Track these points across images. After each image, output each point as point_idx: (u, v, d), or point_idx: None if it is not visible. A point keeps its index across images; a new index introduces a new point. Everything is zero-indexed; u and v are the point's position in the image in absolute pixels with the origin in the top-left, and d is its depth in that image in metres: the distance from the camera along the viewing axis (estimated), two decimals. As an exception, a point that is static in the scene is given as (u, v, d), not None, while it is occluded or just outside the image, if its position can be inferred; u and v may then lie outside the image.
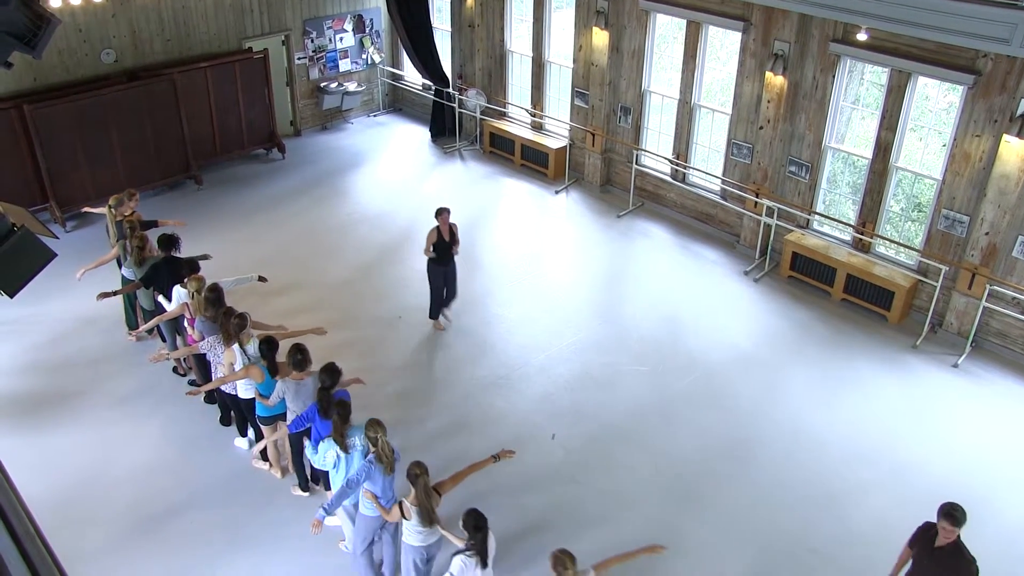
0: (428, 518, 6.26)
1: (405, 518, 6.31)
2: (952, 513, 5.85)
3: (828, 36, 10.76)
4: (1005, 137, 9.48)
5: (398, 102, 18.22)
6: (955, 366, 10.16)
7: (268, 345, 7.60)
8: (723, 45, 13.79)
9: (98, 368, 9.81)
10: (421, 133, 16.96)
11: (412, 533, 6.39)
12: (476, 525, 5.82)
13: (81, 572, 6.79)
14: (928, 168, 10.98)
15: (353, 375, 8.03)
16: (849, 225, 11.50)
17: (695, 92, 12.72)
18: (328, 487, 7.49)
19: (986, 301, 10.09)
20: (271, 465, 8.36)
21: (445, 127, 16.57)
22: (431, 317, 10.68)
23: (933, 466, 8.36)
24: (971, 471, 8.50)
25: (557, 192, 14.60)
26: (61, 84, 13.12)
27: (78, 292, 10.27)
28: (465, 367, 10.06)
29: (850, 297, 11.25)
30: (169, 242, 9.05)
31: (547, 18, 14.57)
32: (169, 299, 8.82)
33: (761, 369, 10.07)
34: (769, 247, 12.12)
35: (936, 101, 12.01)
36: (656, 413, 9.35)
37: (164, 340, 9.54)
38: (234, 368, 7.74)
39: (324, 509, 6.57)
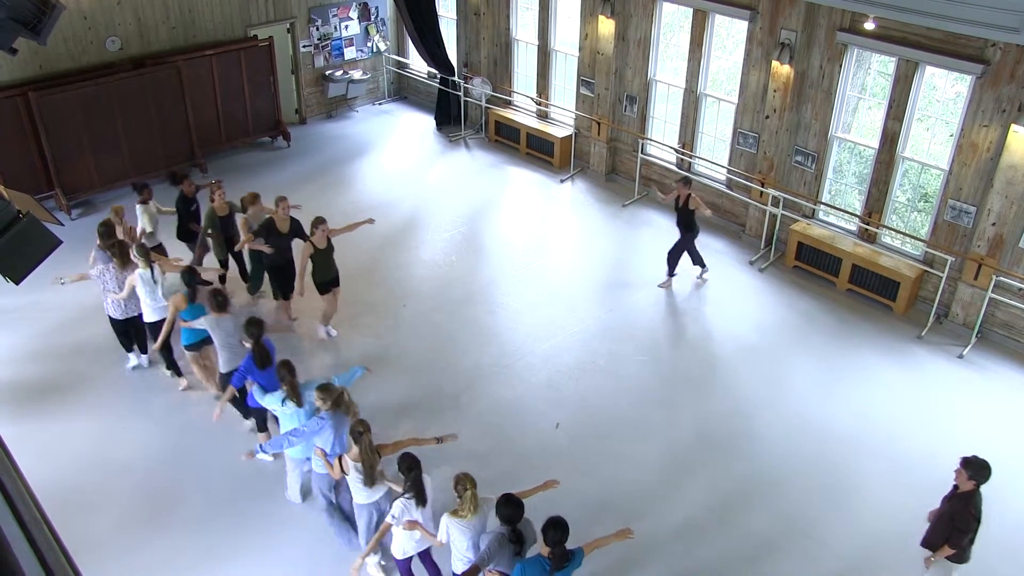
0: (371, 476, 6.59)
1: (344, 473, 6.63)
2: (969, 460, 6.27)
3: (835, 25, 10.69)
4: (1013, 127, 9.42)
5: (403, 90, 18.18)
6: (960, 357, 10.15)
7: (190, 274, 8.59)
8: (729, 34, 13.73)
9: (103, 355, 9.84)
10: (426, 121, 16.93)
11: (358, 491, 6.72)
12: (409, 467, 6.20)
13: (86, 558, 6.82)
14: (935, 158, 10.93)
15: (357, 363, 8.04)
16: (855, 215, 11.46)
17: (701, 81, 12.66)
18: (245, 414, 8.62)
19: (992, 292, 10.06)
20: (208, 387, 9.15)
21: (450, 115, 16.53)
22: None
23: (937, 457, 8.34)
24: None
25: (562, 181, 14.57)
26: (66, 72, 13.12)
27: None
28: (469, 355, 10.07)
29: (855, 287, 11.22)
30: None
31: (553, 6, 14.50)
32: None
33: (765, 359, 10.07)
34: (775, 237, 12.09)
35: (943, 91, 11.94)
36: (660, 402, 9.36)
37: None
38: (136, 291, 8.82)
39: (262, 448, 7.19)
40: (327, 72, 16.64)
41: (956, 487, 6.44)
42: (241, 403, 8.42)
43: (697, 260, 11.43)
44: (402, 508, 6.20)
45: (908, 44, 10.07)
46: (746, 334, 10.53)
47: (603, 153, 14.35)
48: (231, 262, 10.85)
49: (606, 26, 13.29)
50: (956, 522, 6.39)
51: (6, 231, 5.11)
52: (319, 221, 9.45)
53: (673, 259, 11.34)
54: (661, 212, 13.44)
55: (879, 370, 9.89)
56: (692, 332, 10.59)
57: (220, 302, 8.12)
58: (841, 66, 10.87)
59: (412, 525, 6.25)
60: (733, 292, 11.44)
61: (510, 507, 5.76)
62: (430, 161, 15.40)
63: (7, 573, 2.18)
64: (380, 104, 17.80)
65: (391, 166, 15.15)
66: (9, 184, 10.29)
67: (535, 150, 15.28)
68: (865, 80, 11.43)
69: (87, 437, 8.73)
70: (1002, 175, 9.65)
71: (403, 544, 6.50)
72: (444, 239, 12.65)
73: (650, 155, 13.79)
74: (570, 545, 5.73)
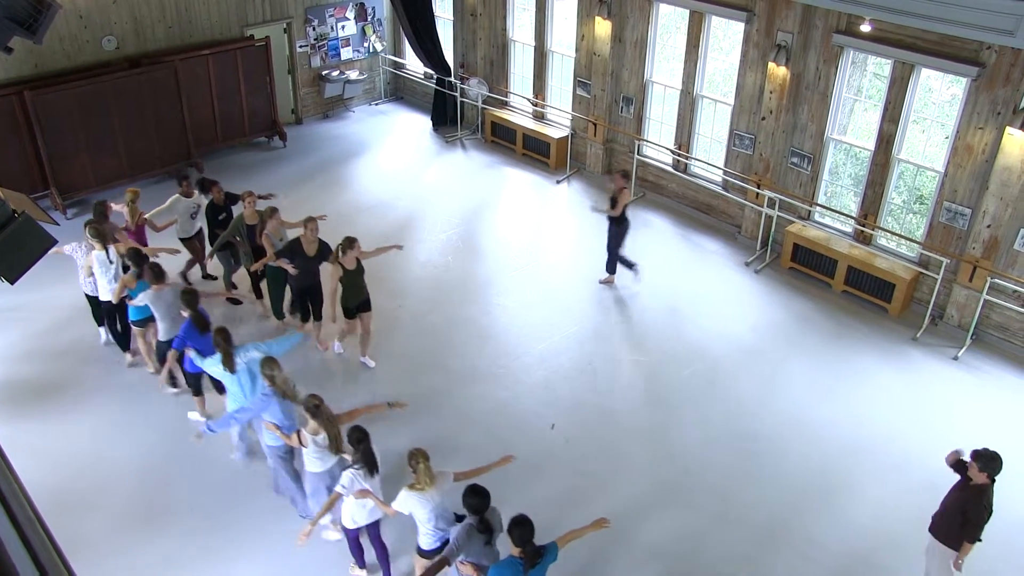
0: (337, 443, 6.83)
1: (303, 445, 6.86)
2: (979, 453, 6.33)
3: (831, 27, 10.71)
4: (1008, 129, 9.45)
5: (400, 91, 18.17)
6: (955, 359, 10.17)
7: (136, 257, 8.70)
8: (726, 35, 13.75)
9: (98, 355, 9.83)
10: (423, 122, 16.92)
11: (313, 462, 6.96)
12: (359, 438, 6.42)
13: (81, 558, 6.80)
14: (930, 160, 10.95)
15: (355, 367, 8.04)
16: (851, 217, 11.48)
17: (697, 82, 12.68)
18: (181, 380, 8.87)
19: (987, 294, 10.08)
20: (148, 364, 9.44)
21: (447, 116, 16.52)
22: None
23: (933, 458, 8.33)
24: (970, 463, 8.51)
25: (559, 182, 14.58)
26: (62, 71, 13.09)
27: (78, 278, 10.26)
28: (465, 356, 10.07)
29: (851, 289, 11.24)
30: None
31: (549, 7, 14.51)
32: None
33: (761, 360, 10.08)
34: (770, 238, 12.11)
35: (939, 93, 11.97)
36: (656, 404, 9.36)
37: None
38: (92, 271, 9.13)
39: (209, 427, 7.32)
40: (323, 72, 16.63)
41: (967, 479, 6.48)
42: (181, 370, 8.72)
43: (611, 264, 11.38)
44: (351, 478, 6.37)
45: (904, 46, 10.10)
46: (742, 335, 10.54)
47: (599, 154, 14.36)
48: (231, 274, 10.75)
49: (602, 27, 13.30)
50: (970, 514, 6.43)
51: (1, 231, 5.10)
52: (349, 242, 8.93)
53: (615, 255, 11.33)
54: (658, 213, 13.46)
55: (874, 372, 9.91)
56: (688, 333, 10.59)
57: (157, 274, 8.40)
58: (837, 68, 10.89)
59: (363, 494, 6.41)
60: (729, 293, 11.45)
61: (476, 497, 5.78)
62: (426, 162, 15.39)
63: (2, 573, 2.18)
64: (376, 104, 17.79)
65: (387, 166, 15.14)
66: (4, 183, 10.27)
67: (531, 151, 15.28)
68: (861, 82, 11.45)
69: (82, 437, 8.71)
70: (997, 177, 9.67)
71: (353, 514, 6.66)
72: (440, 240, 12.64)
73: (646, 156, 13.80)
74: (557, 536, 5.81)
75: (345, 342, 9.91)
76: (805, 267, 11.69)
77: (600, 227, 13.06)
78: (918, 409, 9.32)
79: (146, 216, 10.29)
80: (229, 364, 7.48)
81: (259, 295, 10.76)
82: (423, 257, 12.14)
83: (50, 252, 8.99)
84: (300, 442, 6.85)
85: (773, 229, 12.06)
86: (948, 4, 8.68)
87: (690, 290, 11.49)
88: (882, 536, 7.67)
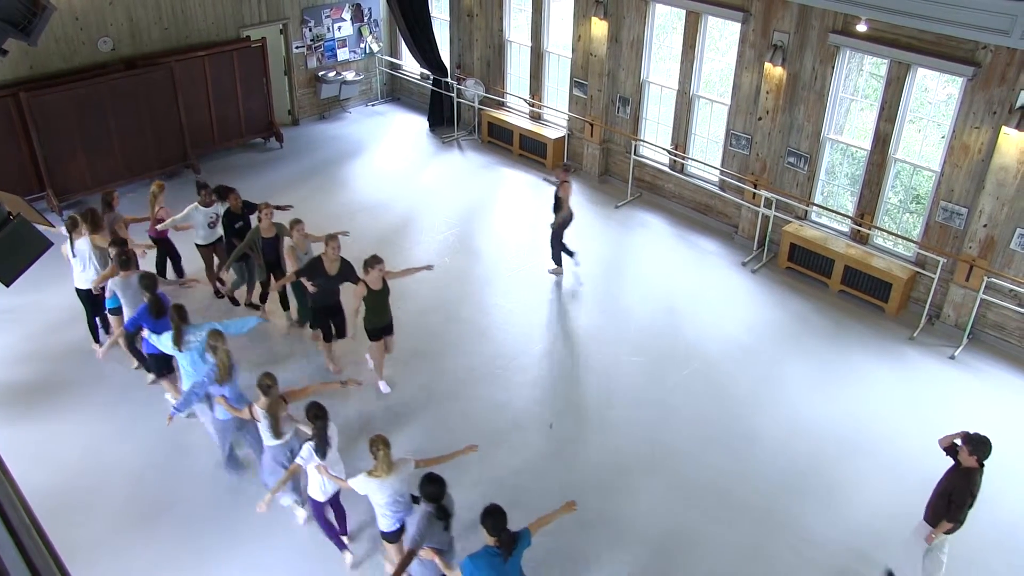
0: (276, 427, 7.05)
1: (255, 419, 7.11)
2: (970, 436, 6.51)
3: (828, 27, 10.72)
4: (1004, 129, 9.46)
5: (396, 91, 18.16)
6: (952, 358, 10.18)
7: (121, 245, 8.89)
8: (722, 35, 13.75)
9: (94, 357, 9.80)
10: (419, 123, 16.92)
11: (268, 436, 7.16)
12: (316, 414, 6.62)
13: (77, 561, 6.80)
14: (927, 160, 10.96)
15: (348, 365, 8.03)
16: (847, 216, 11.49)
17: (694, 83, 12.68)
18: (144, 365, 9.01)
19: (983, 293, 10.09)
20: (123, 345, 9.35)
21: (443, 117, 16.52)
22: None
23: (929, 457, 8.31)
24: (967, 463, 8.52)
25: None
26: (58, 72, 13.05)
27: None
28: (463, 356, 10.06)
29: (848, 288, 11.25)
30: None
31: (546, 8, 14.51)
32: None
33: (758, 360, 10.08)
34: (767, 238, 12.12)
35: (935, 93, 11.99)
36: (653, 403, 9.36)
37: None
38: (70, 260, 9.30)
39: (175, 408, 7.49)
40: (320, 73, 16.61)
41: (958, 463, 6.58)
42: (140, 355, 8.96)
43: (557, 255, 11.61)
44: (310, 451, 6.65)
45: (900, 46, 10.11)
46: (739, 335, 10.54)
47: (596, 154, 14.36)
48: (245, 286, 10.68)
49: (599, 28, 13.29)
50: (954, 495, 6.55)
51: (-4, 233, 5.08)
52: (375, 260, 8.53)
53: (557, 246, 11.55)
54: (654, 213, 13.46)
55: (871, 371, 9.91)
56: (685, 333, 10.59)
57: (124, 261, 8.56)
58: (833, 68, 10.90)
59: (321, 470, 6.65)
60: (726, 293, 11.45)
61: (434, 485, 5.91)
62: (423, 162, 15.38)
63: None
64: (373, 105, 17.78)
65: (384, 167, 15.13)
66: (0, 185, 10.24)
67: (528, 151, 15.28)
68: (857, 82, 11.47)
69: (78, 439, 8.69)
70: (993, 177, 9.68)
71: (321, 485, 6.86)
72: (437, 240, 12.64)
73: (643, 157, 13.81)
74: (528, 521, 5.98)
75: (380, 366, 9.40)
76: (802, 267, 11.70)
77: (596, 226, 13.11)
78: (915, 408, 9.33)
79: (161, 215, 10.29)
80: (178, 341, 7.68)
81: (285, 307, 10.60)
82: (420, 258, 12.12)
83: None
84: (252, 416, 7.14)
85: (770, 229, 12.07)
86: (944, 4, 8.70)
87: (687, 290, 11.50)
88: (879, 534, 7.67)
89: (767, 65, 11.33)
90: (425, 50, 15.84)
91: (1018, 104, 9.32)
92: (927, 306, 10.68)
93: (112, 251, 8.88)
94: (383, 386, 9.41)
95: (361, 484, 6.38)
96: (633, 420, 9.11)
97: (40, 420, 8.92)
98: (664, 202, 13.70)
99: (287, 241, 9.61)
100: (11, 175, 12.24)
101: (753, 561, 7.49)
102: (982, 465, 6.56)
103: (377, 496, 6.41)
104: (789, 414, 9.21)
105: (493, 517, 5.54)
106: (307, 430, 6.92)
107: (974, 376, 9.89)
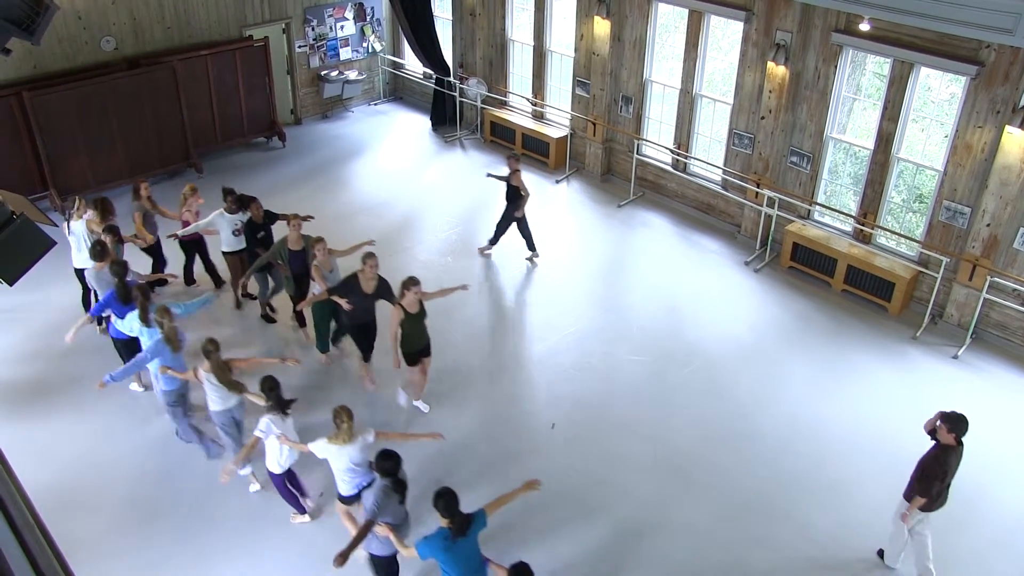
0: (227, 384, 7.45)
1: (199, 380, 7.53)
2: (947, 415, 6.73)
3: (830, 26, 10.71)
4: (1007, 128, 9.44)
5: (399, 91, 18.17)
6: (955, 357, 10.16)
7: (111, 233, 9.20)
8: (725, 35, 13.73)
9: (98, 356, 9.79)
10: (422, 122, 16.92)
11: (213, 400, 7.62)
12: (271, 386, 6.98)
13: (81, 558, 6.81)
14: (930, 159, 10.95)
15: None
16: (850, 216, 11.48)
17: (697, 82, 12.67)
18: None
19: (986, 293, 10.08)
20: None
21: (446, 116, 16.52)
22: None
23: (932, 457, 8.37)
24: (970, 462, 8.45)
25: (558, 181, 14.57)
26: (61, 72, 13.08)
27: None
28: (464, 355, 10.06)
29: (850, 288, 11.24)
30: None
31: (548, 7, 14.50)
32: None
33: (761, 359, 10.07)
34: (770, 237, 12.11)
35: (938, 92, 11.96)
36: (655, 403, 9.36)
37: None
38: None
39: (111, 377, 7.66)
40: (323, 72, 16.62)
41: (938, 442, 6.78)
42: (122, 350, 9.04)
43: (530, 243, 11.94)
44: (267, 423, 6.94)
45: (903, 45, 10.09)
46: (741, 334, 10.54)
47: (599, 154, 14.35)
48: (267, 295, 10.53)
49: (602, 27, 13.29)
50: (926, 470, 6.77)
51: (0, 232, 5.09)
52: (411, 282, 8.22)
53: (500, 230, 11.96)
54: (657, 212, 13.46)
55: (874, 371, 9.90)
56: (687, 332, 10.59)
57: (98, 252, 8.86)
58: (836, 67, 10.89)
59: (283, 439, 6.98)
60: (728, 293, 11.45)
61: (389, 461, 6.15)
62: (425, 162, 15.39)
63: (-1, 576, 2.18)
64: (376, 104, 17.78)
65: (387, 166, 15.13)
66: (3, 185, 10.26)
67: (530, 151, 15.27)
68: (860, 81, 11.45)
69: (81, 438, 8.71)
70: (996, 176, 9.67)
71: (278, 457, 7.17)
72: (439, 240, 12.64)
73: (646, 156, 13.80)
74: (485, 503, 6.11)
75: (420, 387, 9.13)
76: (805, 266, 11.69)
77: (598, 225, 13.11)
78: (918, 408, 9.28)
79: (187, 217, 10.35)
80: (144, 318, 8.01)
81: (302, 324, 10.32)
82: (423, 257, 12.14)
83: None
84: (196, 377, 7.56)
85: (772, 228, 12.06)
86: (947, 3, 8.68)
87: (689, 289, 11.49)
88: (880, 534, 7.66)
89: (770, 64, 11.32)
90: (428, 49, 15.84)
91: (1021, 103, 9.31)
92: (930, 305, 10.66)
93: (106, 237, 9.14)
94: (421, 405, 9.12)
95: (320, 448, 6.70)
96: (634, 419, 9.11)
97: (43, 419, 8.94)
98: (667, 201, 13.70)
99: (314, 264, 9.25)
100: (14, 174, 12.27)
101: (753, 559, 7.48)
102: (960, 443, 6.72)
103: (335, 462, 6.75)
104: (791, 413, 9.21)
105: (445, 499, 5.70)
106: (259, 401, 7.23)
107: (977, 376, 9.87)
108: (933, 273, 10.58)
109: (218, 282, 11.11)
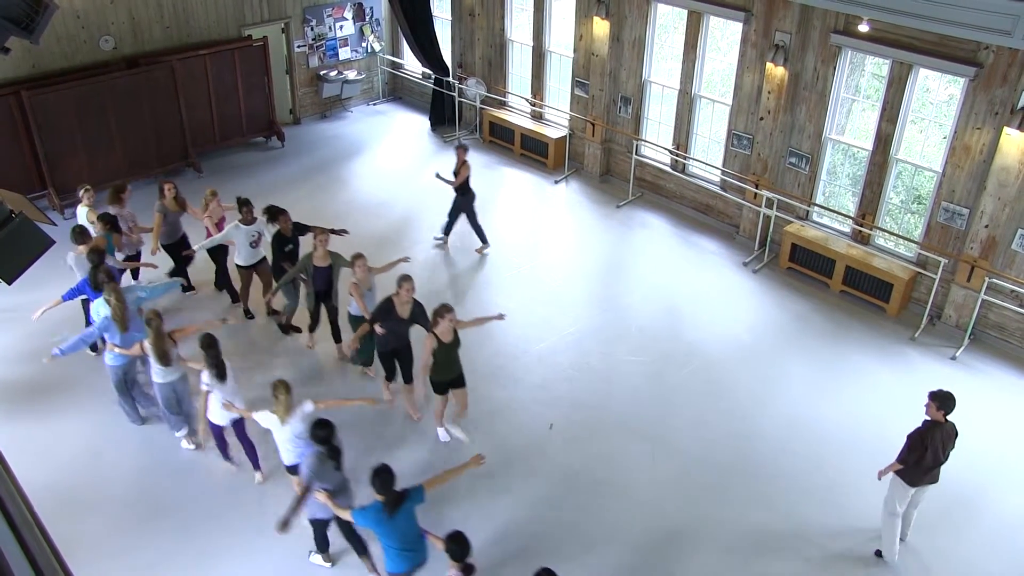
0: (165, 357, 7.82)
1: (143, 354, 7.93)
2: (935, 393, 7.03)
3: (829, 27, 10.72)
4: (1006, 130, 9.45)
5: (398, 91, 18.17)
6: (953, 358, 10.17)
7: (106, 220, 9.63)
8: (724, 35, 13.75)
9: (96, 356, 9.80)
10: (421, 122, 16.92)
11: (156, 373, 7.98)
12: (208, 344, 7.41)
13: (79, 558, 6.79)
14: (928, 160, 10.96)
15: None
16: (849, 217, 11.49)
17: (695, 82, 12.68)
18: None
19: (985, 294, 10.09)
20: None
21: (445, 116, 16.53)
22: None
23: (930, 458, 8.38)
24: (968, 463, 8.51)
25: (556, 182, 14.57)
26: (59, 71, 13.07)
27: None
28: (463, 356, 10.03)
29: (849, 289, 11.25)
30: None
31: (547, 7, 14.51)
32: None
33: (759, 360, 10.08)
34: (768, 238, 12.11)
35: (937, 93, 11.98)
36: (654, 403, 9.36)
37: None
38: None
39: (60, 350, 7.95)
40: (321, 72, 16.62)
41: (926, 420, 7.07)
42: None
43: (480, 233, 12.17)
44: (210, 377, 7.47)
45: (902, 46, 10.10)
46: (740, 335, 10.54)
47: (597, 154, 14.36)
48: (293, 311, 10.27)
49: (600, 27, 13.29)
50: (908, 440, 7.06)
51: (-2, 231, 5.09)
52: (445, 310, 7.89)
53: (452, 220, 12.27)
54: (656, 213, 13.46)
55: (872, 371, 9.91)
56: (686, 333, 10.59)
57: (77, 235, 9.21)
58: (835, 68, 10.89)
59: (228, 406, 7.47)
60: (727, 293, 11.45)
61: (323, 430, 6.50)
62: (424, 162, 15.37)
63: (-2, 576, 2.17)
64: (374, 104, 17.78)
65: (385, 166, 15.13)
66: (1, 183, 10.25)
67: (529, 151, 15.28)
68: (859, 82, 11.46)
69: (80, 438, 8.71)
70: (994, 177, 9.68)
71: (218, 412, 7.67)
72: (438, 240, 12.63)
73: (644, 156, 13.80)
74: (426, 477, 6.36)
75: (440, 415, 8.73)
76: (803, 267, 11.70)
77: (597, 226, 13.11)
78: (916, 409, 9.21)
79: (205, 222, 10.33)
80: (112, 297, 8.24)
81: (338, 338, 9.89)
82: (421, 257, 12.13)
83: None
84: (142, 350, 7.94)
85: (771, 229, 12.06)
86: (946, 4, 8.69)
87: (688, 290, 11.50)
88: (879, 535, 7.66)
89: (769, 65, 11.33)
90: (426, 49, 15.84)
91: (1020, 105, 9.32)
92: (928, 307, 10.67)
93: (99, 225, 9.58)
94: (461, 435, 8.67)
95: (264, 418, 7.12)
96: (633, 420, 9.11)
97: (42, 418, 8.94)
98: (665, 202, 13.70)
99: (350, 276, 8.94)
100: (13, 173, 12.26)
101: (752, 559, 7.48)
102: (947, 420, 7.00)
103: (277, 433, 7.16)
104: (790, 414, 9.21)
105: (381, 478, 5.98)
106: (195, 366, 7.67)
107: (975, 377, 9.88)
108: (931, 274, 10.59)
109: (234, 296, 10.86)
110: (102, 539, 7.50)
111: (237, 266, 10.21)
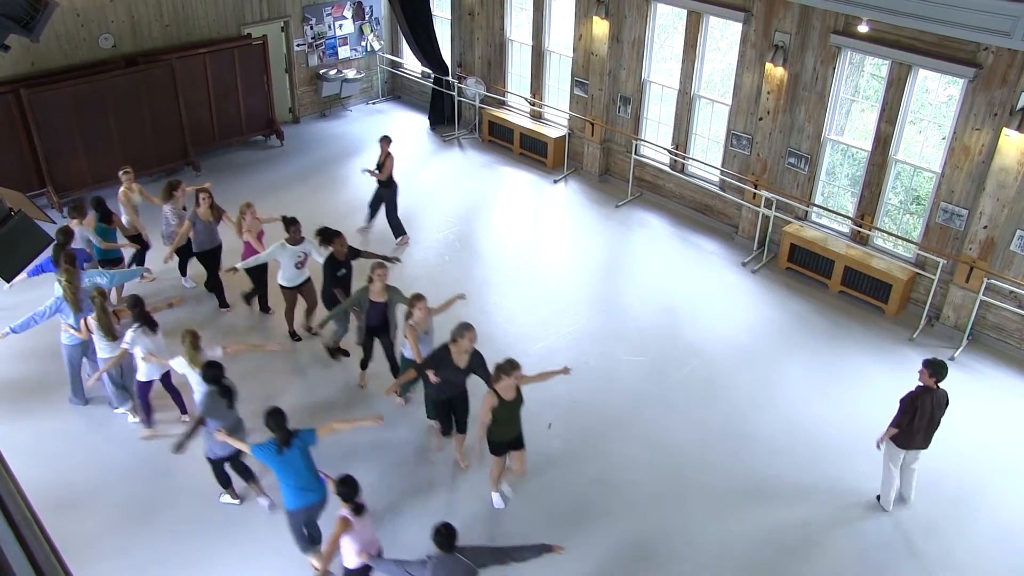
0: (110, 332, 8.22)
1: (90, 331, 8.32)
2: (928, 361, 7.52)
3: (829, 28, 10.72)
4: (1005, 131, 9.46)
5: (397, 90, 18.16)
6: (952, 359, 10.17)
7: (98, 206, 10.18)
8: (723, 35, 13.75)
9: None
10: (420, 121, 16.91)
11: (102, 348, 8.35)
12: (133, 303, 7.99)
13: (78, 556, 6.78)
14: (927, 161, 10.97)
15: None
16: (848, 217, 11.49)
17: (695, 82, 12.68)
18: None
19: (983, 295, 10.10)
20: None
21: (444, 115, 16.52)
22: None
23: (929, 459, 8.35)
24: (967, 464, 8.54)
25: (556, 181, 14.58)
26: (59, 69, 13.06)
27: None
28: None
29: (848, 289, 11.25)
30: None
31: (547, 7, 14.51)
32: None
33: (758, 360, 10.08)
34: (767, 238, 12.12)
35: (936, 94, 11.98)
36: (653, 403, 9.37)
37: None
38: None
39: (12, 329, 8.41)
40: (321, 71, 16.61)
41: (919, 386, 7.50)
42: None
43: (397, 227, 12.43)
44: (133, 335, 7.92)
45: (901, 47, 10.11)
46: (738, 335, 10.54)
47: (596, 154, 14.36)
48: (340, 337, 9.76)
49: (600, 27, 13.29)
50: (901, 404, 7.51)
51: (-3, 229, 5.08)
52: (511, 367, 7.13)
53: (373, 214, 12.58)
54: (655, 213, 13.46)
55: (871, 372, 9.92)
56: (684, 333, 10.60)
57: (72, 209, 9.81)
58: (835, 68, 10.90)
59: (148, 358, 7.98)
60: (725, 293, 11.46)
61: (213, 370, 7.12)
62: (423, 161, 15.38)
63: (-2, 573, 2.17)
64: (374, 103, 17.77)
65: (385, 166, 15.10)
66: (0, 182, 10.24)
67: (528, 150, 15.28)
68: (858, 83, 11.47)
69: (78, 436, 8.70)
70: (993, 178, 9.68)
71: (147, 370, 8.19)
72: (437, 239, 12.64)
73: (644, 156, 13.81)
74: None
75: (495, 479, 7.99)
76: (802, 267, 11.70)
77: (596, 225, 13.12)
78: (914, 409, 9.32)
79: (246, 238, 10.06)
80: (66, 280, 8.54)
81: (396, 374, 9.09)
82: (420, 256, 12.14)
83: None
84: (88, 328, 8.34)
85: (770, 229, 12.07)
86: (945, 5, 8.69)
87: (687, 290, 11.50)
88: (878, 535, 7.68)
89: (768, 65, 11.33)
90: (426, 48, 15.84)
91: (1019, 106, 9.32)
92: (927, 307, 10.68)
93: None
94: (496, 499, 7.98)
95: (179, 364, 7.76)
96: (632, 420, 9.11)
97: (40, 416, 8.93)
98: (664, 202, 13.71)
99: (406, 322, 8.32)
100: (12, 171, 12.25)
101: (752, 560, 7.49)
102: (939, 387, 7.46)
103: (191, 377, 7.71)
104: (788, 414, 9.22)
105: (275, 418, 6.52)
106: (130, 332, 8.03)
107: (974, 377, 9.89)
108: (930, 275, 10.60)
109: (222, 301, 10.72)
110: (100, 537, 7.49)
111: (281, 286, 9.72)
